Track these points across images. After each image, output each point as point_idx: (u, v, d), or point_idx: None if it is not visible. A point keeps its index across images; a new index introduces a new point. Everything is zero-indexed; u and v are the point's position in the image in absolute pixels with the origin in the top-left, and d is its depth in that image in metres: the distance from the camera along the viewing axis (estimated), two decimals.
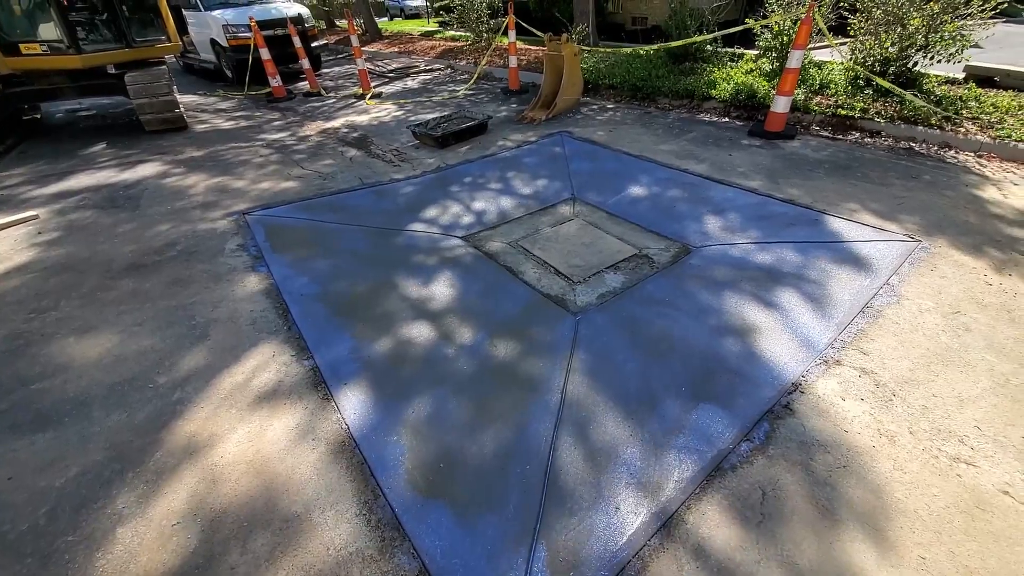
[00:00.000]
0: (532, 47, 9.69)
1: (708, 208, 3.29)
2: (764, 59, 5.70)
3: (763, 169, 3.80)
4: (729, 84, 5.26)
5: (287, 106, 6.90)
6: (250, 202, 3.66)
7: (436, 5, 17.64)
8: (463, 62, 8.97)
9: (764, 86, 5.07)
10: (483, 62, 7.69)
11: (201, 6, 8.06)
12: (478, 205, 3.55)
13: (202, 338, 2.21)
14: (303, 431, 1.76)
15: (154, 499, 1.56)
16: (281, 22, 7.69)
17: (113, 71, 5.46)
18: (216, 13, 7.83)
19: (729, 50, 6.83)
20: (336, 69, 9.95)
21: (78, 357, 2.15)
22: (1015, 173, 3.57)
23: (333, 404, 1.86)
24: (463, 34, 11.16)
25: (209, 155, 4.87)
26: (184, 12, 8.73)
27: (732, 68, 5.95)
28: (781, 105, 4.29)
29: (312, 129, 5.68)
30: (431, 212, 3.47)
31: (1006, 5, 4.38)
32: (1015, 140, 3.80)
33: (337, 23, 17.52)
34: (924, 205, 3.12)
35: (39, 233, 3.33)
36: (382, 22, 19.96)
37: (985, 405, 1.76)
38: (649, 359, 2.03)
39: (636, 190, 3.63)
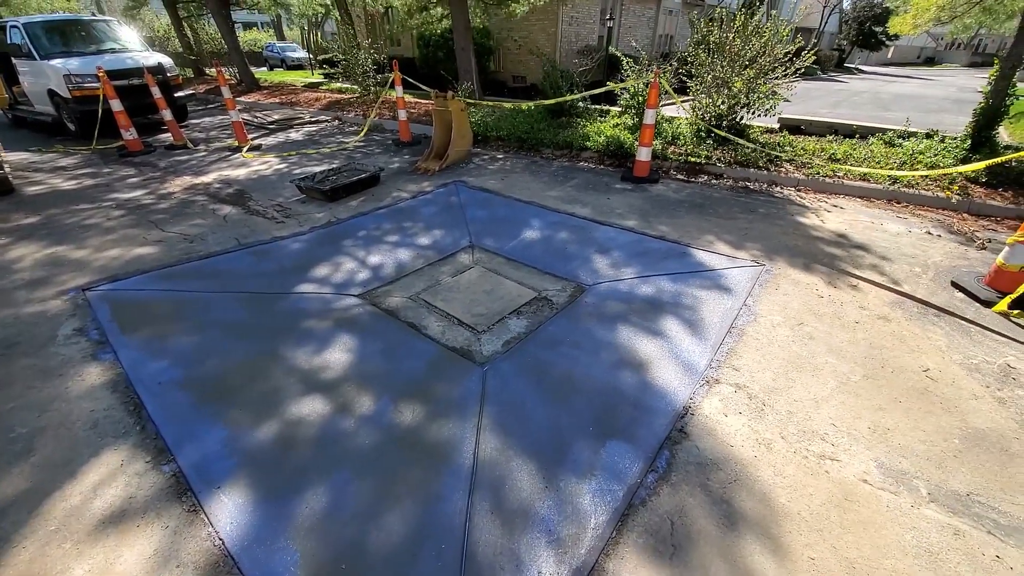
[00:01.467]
0: (421, 100, 9.97)
1: (595, 248, 3.55)
2: (626, 115, 6.51)
3: (636, 210, 4.23)
4: (601, 136, 5.88)
5: (145, 160, 6.17)
6: (93, 275, 3.11)
7: (320, 58, 17.50)
8: (351, 114, 8.89)
9: (629, 138, 5.75)
10: (372, 114, 7.70)
11: (36, 55, 7.02)
12: (374, 259, 3.42)
13: (23, 455, 1.75)
14: (164, 557, 1.44)
15: None
16: (136, 71, 6.99)
17: None
18: (56, 62, 6.88)
19: (597, 107, 7.69)
20: (207, 120, 9.22)
21: None
22: (827, 202, 4.43)
23: (203, 516, 1.55)
24: (350, 86, 11.13)
25: (44, 221, 4.11)
26: (15, 60, 7.53)
27: (602, 122, 6.68)
28: (644, 154, 4.89)
29: (177, 185, 5.12)
30: (322, 271, 3.26)
31: (803, 69, 5.56)
32: (822, 176, 4.74)
33: (207, 72, 16.43)
34: (763, 233, 3.70)
35: None
36: (261, 72, 19.20)
37: (835, 403, 2.06)
38: (557, 402, 2.06)
39: (530, 234, 3.80)
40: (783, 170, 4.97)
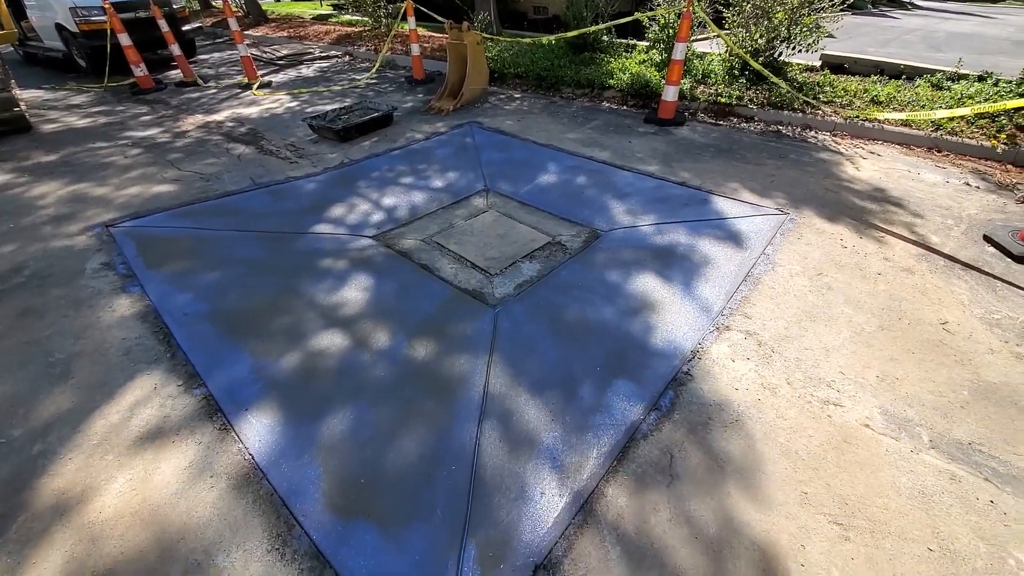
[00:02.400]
0: (436, 34, 9.44)
1: (613, 193, 3.46)
2: (654, 50, 6.07)
3: (659, 154, 4.06)
4: (625, 74, 5.53)
5: (156, 98, 6.08)
6: (116, 212, 3.18)
7: None
8: (362, 49, 8.50)
9: (655, 76, 5.40)
10: (384, 49, 7.35)
11: None
12: (388, 201, 3.41)
13: (63, 377, 1.89)
14: (198, 469, 1.58)
15: (23, 572, 1.32)
16: (143, 4, 6.72)
17: None
18: None
19: (623, 41, 7.18)
20: (216, 55, 8.94)
21: None
22: (863, 148, 4.18)
23: (233, 434, 1.69)
24: (360, 19, 10.56)
25: (63, 159, 4.15)
26: None
27: (627, 59, 6.26)
28: (670, 94, 4.61)
29: (190, 124, 5.07)
30: (337, 211, 3.27)
31: (852, 1, 5.05)
32: (861, 119, 4.44)
33: (213, 3, 15.70)
34: (791, 181, 3.54)
35: None
36: (268, 3, 18.27)
37: (846, 352, 2.06)
38: (567, 344, 2.10)
39: (546, 178, 3.71)
40: (820, 113, 4.66)
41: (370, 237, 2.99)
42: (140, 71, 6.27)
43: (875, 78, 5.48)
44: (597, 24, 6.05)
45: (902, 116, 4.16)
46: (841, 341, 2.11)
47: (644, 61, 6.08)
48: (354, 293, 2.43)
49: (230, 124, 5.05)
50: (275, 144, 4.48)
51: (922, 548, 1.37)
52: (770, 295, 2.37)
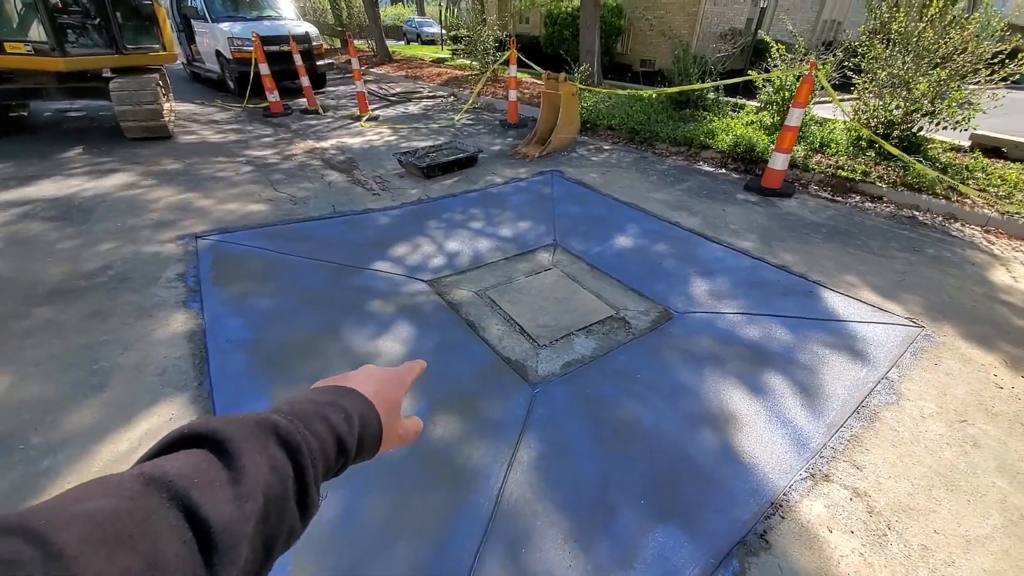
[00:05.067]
0: (537, 81, 9.69)
1: (696, 268, 3.06)
2: (765, 112, 5.60)
3: (757, 228, 3.58)
4: (728, 135, 5.13)
5: (281, 122, 6.78)
6: (210, 224, 3.42)
7: (450, 34, 18.00)
8: (467, 91, 8.95)
9: (764, 140, 4.93)
10: (477, 90, 7.62)
11: (209, 17, 8.07)
12: (452, 245, 3.31)
13: (98, 389, 1.92)
14: None
15: None
16: (284, 39, 7.67)
17: (109, 74, 5.34)
18: (223, 25, 7.84)
19: (731, 100, 6.77)
20: (342, 88, 9.94)
21: None
22: None
23: None
24: (471, 63, 11.22)
25: (185, 168, 4.67)
26: (193, 22, 8.77)
27: (733, 119, 5.84)
28: (779, 162, 4.12)
29: (300, 148, 5.52)
30: (400, 249, 3.23)
31: (1017, 77, 4.27)
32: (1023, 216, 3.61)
33: (354, 43, 17.80)
34: (928, 283, 2.88)
35: None
36: (398, 46, 20.33)
37: (995, 549, 1.47)
38: (609, 453, 1.75)
39: (622, 241, 3.41)
40: (968, 202, 3.88)
41: (425, 281, 2.88)
42: (273, 97, 7.07)
43: None
44: (704, 81, 5.75)
45: None
46: (989, 530, 1.53)
47: (752, 123, 5.62)
48: (391, 344, 2.29)
49: (332, 152, 5.42)
50: (364, 174, 4.68)
51: None
52: (891, 440, 1.83)
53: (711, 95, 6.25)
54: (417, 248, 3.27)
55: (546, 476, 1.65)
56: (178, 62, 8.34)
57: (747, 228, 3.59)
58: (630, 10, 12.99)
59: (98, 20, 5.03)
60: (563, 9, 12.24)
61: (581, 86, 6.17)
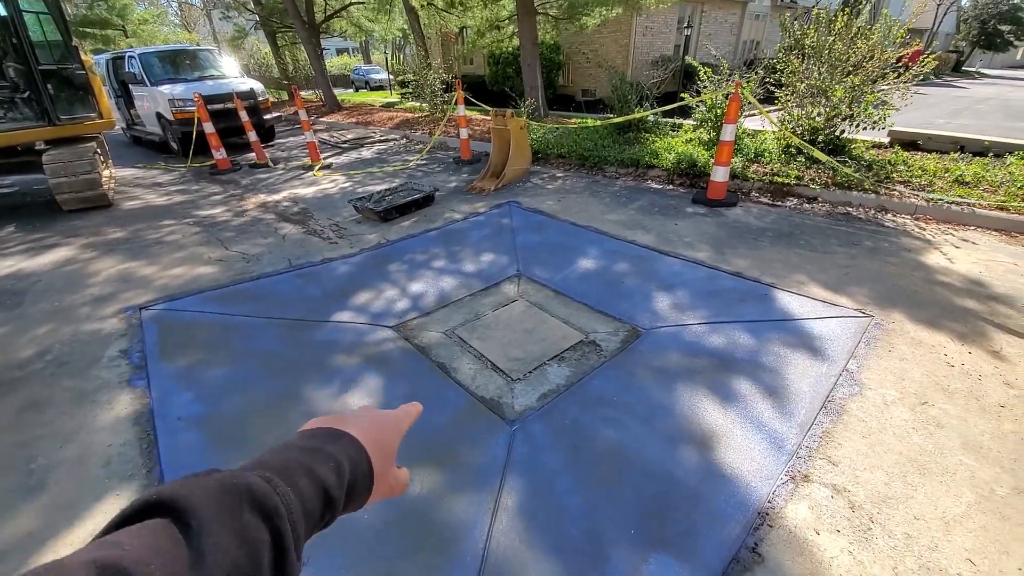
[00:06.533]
0: (486, 118, 9.97)
1: (657, 283, 3.13)
2: (702, 129, 5.94)
3: (709, 238, 3.73)
4: (671, 154, 5.39)
5: (230, 178, 6.64)
6: (155, 293, 3.25)
7: (398, 79, 18.41)
8: (419, 132, 9.09)
9: (704, 155, 5.21)
10: (436, 133, 7.78)
11: (148, 81, 7.95)
12: (416, 287, 3.27)
13: (36, 491, 1.73)
14: None
15: None
16: (228, 96, 7.62)
17: (43, 146, 5.12)
18: (163, 88, 7.74)
19: (669, 120, 7.16)
20: (292, 139, 9.91)
21: None
22: (953, 235, 3.63)
23: None
24: (419, 105, 11.47)
25: (128, 236, 4.47)
26: (131, 86, 8.63)
27: (673, 138, 6.17)
28: (720, 174, 4.35)
29: (252, 203, 5.40)
30: (362, 297, 3.16)
31: (922, 75, 4.73)
32: (947, 202, 3.92)
33: (302, 94, 17.88)
34: (871, 274, 3.05)
35: None
36: (347, 93, 20.59)
37: (974, 527, 1.51)
38: (594, 486, 1.71)
39: (584, 264, 3.46)
40: (896, 193, 4.19)
41: (390, 327, 2.81)
42: (219, 155, 6.95)
43: (955, 155, 4.97)
44: (643, 106, 6.07)
45: (998, 198, 3.63)
46: (964, 508, 1.57)
47: (691, 140, 5.94)
48: (359, 399, 2.20)
49: (286, 204, 5.33)
50: (320, 224, 4.61)
51: None
52: (860, 431, 1.87)
53: (651, 118, 6.60)
54: (380, 294, 3.20)
55: (533, 520, 1.59)
56: (117, 128, 8.11)
57: (699, 239, 3.73)
58: (567, 46, 13.73)
59: (27, 93, 4.86)
60: (504, 49, 12.79)
61: (531, 119, 6.39)
